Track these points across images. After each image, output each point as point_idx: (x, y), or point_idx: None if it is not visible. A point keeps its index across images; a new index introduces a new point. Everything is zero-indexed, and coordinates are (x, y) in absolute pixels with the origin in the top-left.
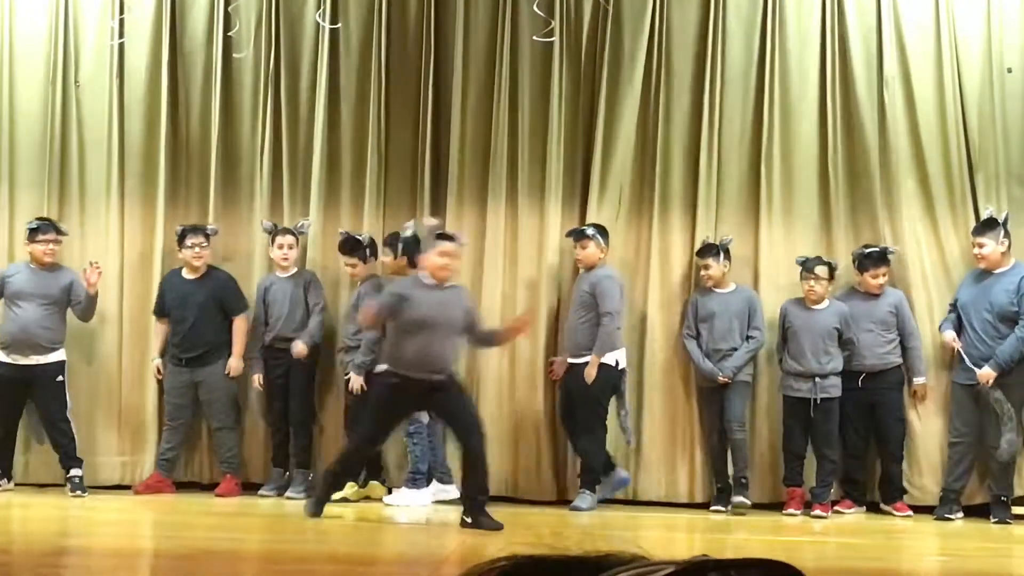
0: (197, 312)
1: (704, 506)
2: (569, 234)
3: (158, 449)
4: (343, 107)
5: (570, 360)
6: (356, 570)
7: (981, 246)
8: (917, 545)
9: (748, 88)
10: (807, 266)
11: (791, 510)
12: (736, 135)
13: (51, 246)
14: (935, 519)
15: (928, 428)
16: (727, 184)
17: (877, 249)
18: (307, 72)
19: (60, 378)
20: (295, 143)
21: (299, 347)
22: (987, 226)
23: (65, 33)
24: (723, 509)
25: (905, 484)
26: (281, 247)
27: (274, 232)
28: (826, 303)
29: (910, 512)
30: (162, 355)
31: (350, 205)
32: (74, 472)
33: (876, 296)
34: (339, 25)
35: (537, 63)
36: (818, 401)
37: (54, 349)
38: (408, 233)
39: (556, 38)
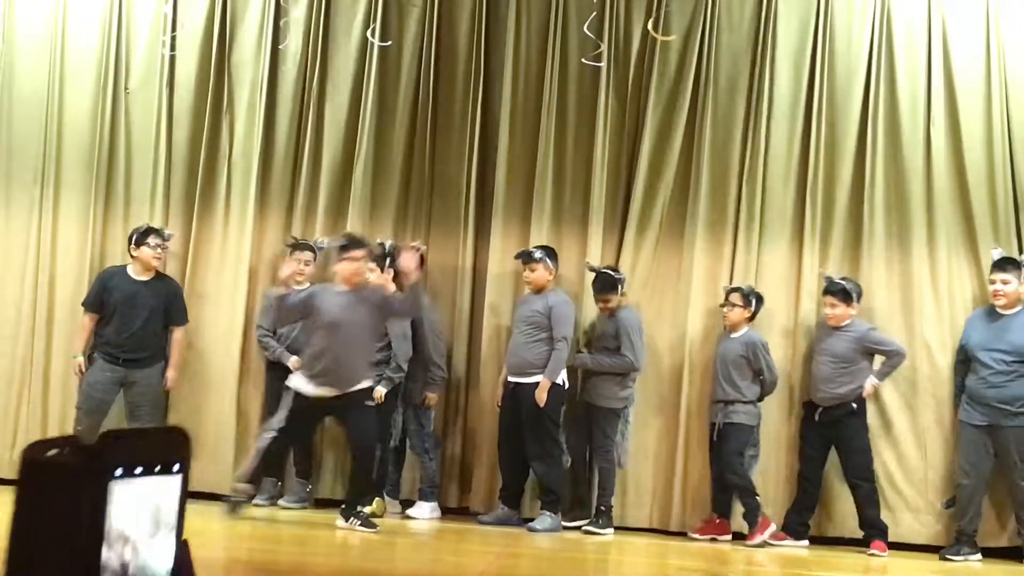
0: (147, 315)
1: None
2: (518, 256)
3: None
4: (389, 125)
5: (514, 379)
6: None
7: (1006, 283)
8: None
9: (795, 121)
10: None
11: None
12: (781, 167)
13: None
14: (940, 559)
15: (910, 464)
16: (769, 215)
17: (837, 280)
18: (353, 89)
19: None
20: (336, 159)
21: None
22: (1009, 263)
23: (117, 41)
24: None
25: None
26: (299, 262)
27: (293, 247)
28: (742, 331)
29: (884, 553)
30: (86, 352)
31: (393, 223)
32: None
33: (837, 329)
34: (389, 43)
35: (585, 86)
36: (720, 427)
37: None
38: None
39: (604, 63)
